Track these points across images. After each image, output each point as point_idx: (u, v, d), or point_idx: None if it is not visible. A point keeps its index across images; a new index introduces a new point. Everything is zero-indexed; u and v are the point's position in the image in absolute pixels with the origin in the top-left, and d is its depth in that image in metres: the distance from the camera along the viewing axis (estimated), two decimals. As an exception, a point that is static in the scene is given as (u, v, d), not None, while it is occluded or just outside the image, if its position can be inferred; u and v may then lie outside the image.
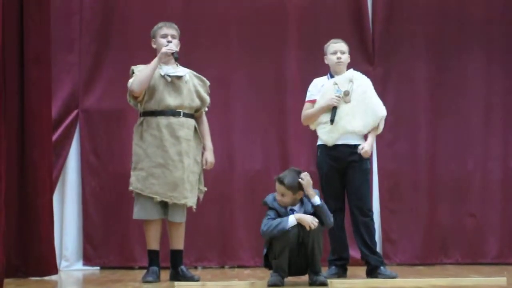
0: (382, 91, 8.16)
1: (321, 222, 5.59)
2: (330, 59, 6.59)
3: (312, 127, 6.64)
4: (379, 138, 8.12)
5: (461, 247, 7.99)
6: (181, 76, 6.17)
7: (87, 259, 7.78)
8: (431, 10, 8.23)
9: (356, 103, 6.43)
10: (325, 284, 5.59)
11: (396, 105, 8.18)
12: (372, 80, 8.10)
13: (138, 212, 6.04)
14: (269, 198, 5.73)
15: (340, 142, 6.41)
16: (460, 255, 7.98)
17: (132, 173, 6.05)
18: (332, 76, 6.57)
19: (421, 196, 8.10)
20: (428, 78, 8.22)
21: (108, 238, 7.81)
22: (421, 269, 7.40)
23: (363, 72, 8.10)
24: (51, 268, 6.56)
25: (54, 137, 7.51)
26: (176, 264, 6.11)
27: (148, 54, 7.86)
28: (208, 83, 6.43)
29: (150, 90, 6.07)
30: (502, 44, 8.26)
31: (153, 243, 6.06)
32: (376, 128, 6.54)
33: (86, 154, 7.86)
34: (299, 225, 5.53)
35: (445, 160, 8.12)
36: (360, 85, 6.52)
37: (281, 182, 5.65)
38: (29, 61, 6.53)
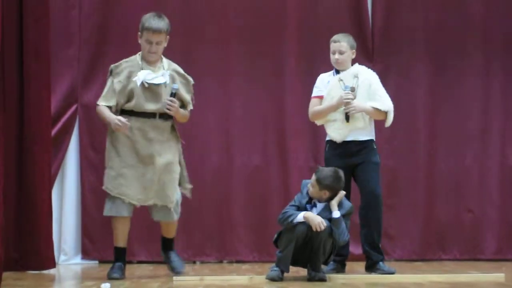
0: (381, 87, 8.18)
1: (334, 237, 5.63)
2: (331, 57, 6.56)
3: (318, 123, 6.61)
4: (377, 134, 8.13)
5: (459, 243, 7.99)
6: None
7: (86, 253, 7.79)
8: (430, 7, 8.22)
9: (362, 99, 6.39)
10: (324, 279, 5.61)
11: (395, 102, 8.13)
12: (371, 77, 8.14)
13: (109, 209, 6.04)
14: (306, 181, 5.84)
15: (349, 139, 6.39)
16: (458, 251, 7.99)
17: (105, 170, 6.07)
18: (337, 72, 6.55)
19: (419, 192, 8.10)
20: (427, 75, 8.21)
21: (106, 232, 7.75)
22: (419, 265, 7.41)
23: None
24: (49, 262, 6.57)
25: (53, 131, 7.51)
26: (165, 249, 6.32)
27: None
28: (192, 81, 6.32)
29: (128, 94, 6.01)
30: (502, 41, 8.26)
31: (120, 241, 6.11)
32: (383, 117, 6.52)
33: (85, 148, 7.87)
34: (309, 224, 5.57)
35: (444, 156, 8.12)
36: (365, 79, 6.48)
37: (316, 172, 5.73)
38: (28, 55, 6.53)
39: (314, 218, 5.55)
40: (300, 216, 5.57)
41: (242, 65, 8.03)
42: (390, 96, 8.11)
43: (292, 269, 5.81)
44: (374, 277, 6.05)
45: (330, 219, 5.66)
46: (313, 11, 8.13)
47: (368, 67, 8.07)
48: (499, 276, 5.81)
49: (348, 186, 6.34)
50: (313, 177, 5.75)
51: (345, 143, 6.39)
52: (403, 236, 8.03)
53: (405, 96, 8.18)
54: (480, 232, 8.04)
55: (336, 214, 5.67)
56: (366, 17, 8.16)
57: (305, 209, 5.68)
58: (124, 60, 6.17)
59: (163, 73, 6.08)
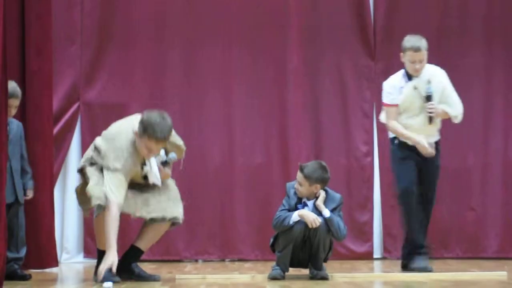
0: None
1: (332, 235, 5.60)
2: (407, 65, 6.29)
3: None
4: (380, 132, 8.13)
5: (462, 241, 7.98)
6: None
7: (88, 252, 7.78)
8: (432, 4, 8.20)
9: (437, 104, 6.24)
10: (326, 278, 5.60)
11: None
12: (373, 75, 8.15)
13: None
14: (290, 183, 5.76)
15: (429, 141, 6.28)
16: (460, 249, 7.98)
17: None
18: (408, 77, 6.30)
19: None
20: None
21: (108, 231, 7.80)
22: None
23: (364, 67, 8.16)
24: (52, 260, 6.57)
25: (55, 130, 7.51)
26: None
27: (149, 46, 7.91)
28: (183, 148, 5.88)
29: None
30: (503, 39, 8.24)
31: None
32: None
33: (87, 147, 7.79)
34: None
35: (446, 155, 8.05)
36: (439, 83, 6.28)
37: (301, 169, 5.67)
38: (30, 53, 6.53)
39: (309, 214, 5.53)
40: (295, 216, 5.55)
41: (244, 63, 8.02)
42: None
43: (294, 268, 5.80)
44: (376, 275, 6.03)
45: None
46: (315, 9, 8.12)
47: (370, 65, 8.13)
48: (501, 274, 5.80)
49: (416, 172, 6.29)
50: (299, 175, 5.67)
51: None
52: (405, 235, 8.01)
53: (408, 94, 8.17)
54: (482, 230, 8.03)
55: (326, 213, 5.63)
56: (368, 15, 8.15)
57: (296, 210, 5.64)
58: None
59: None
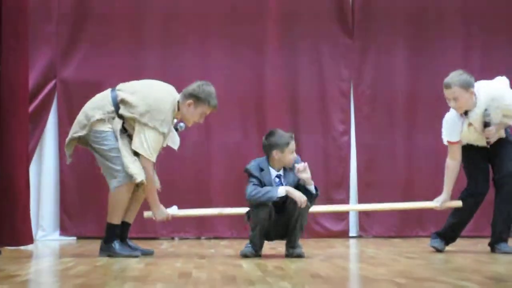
0: (360, 65, 8.20)
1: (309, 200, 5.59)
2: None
3: None
4: (357, 111, 8.16)
5: (437, 220, 7.99)
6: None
7: (64, 229, 7.80)
8: (410, -16, 8.24)
9: (496, 121, 5.91)
10: (301, 256, 5.61)
11: (374, 79, 8.21)
12: (351, 53, 8.16)
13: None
14: (252, 166, 5.69)
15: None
16: (435, 228, 7.99)
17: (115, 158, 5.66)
18: (465, 112, 5.89)
19: (398, 169, 8.15)
20: (407, 52, 8.24)
21: (85, 208, 7.81)
22: (397, 242, 7.45)
23: (342, 45, 8.16)
24: (27, 238, 6.55)
25: (32, 107, 7.49)
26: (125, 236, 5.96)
27: (126, 23, 7.87)
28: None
29: None
30: (481, 19, 8.27)
31: None
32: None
33: (64, 124, 7.83)
34: (287, 199, 5.53)
35: (423, 134, 8.15)
36: (496, 108, 5.83)
37: (278, 143, 5.62)
38: (6, 30, 6.47)
39: (295, 193, 5.51)
40: (282, 191, 5.51)
41: (222, 42, 8.01)
42: (369, 73, 8.22)
43: (270, 245, 5.82)
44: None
45: (298, 185, 5.62)
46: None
47: (348, 44, 8.13)
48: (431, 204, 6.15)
49: (484, 165, 6.08)
50: (280, 148, 5.59)
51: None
52: (381, 213, 8.06)
53: (384, 73, 8.22)
54: None
55: (313, 189, 5.65)
56: (346, -5, 8.16)
57: (271, 184, 5.62)
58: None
59: None
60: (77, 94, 7.83)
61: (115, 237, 5.73)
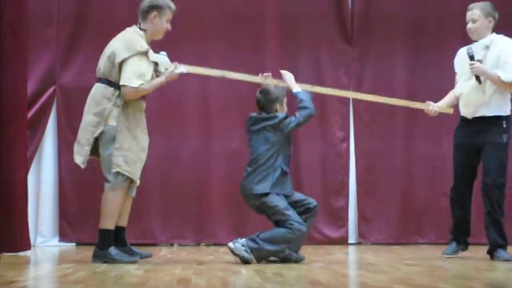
0: (359, 71, 8.20)
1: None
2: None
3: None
4: (356, 118, 8.15)
5: (436, 227, 8.03)
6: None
7: (63, 235, 7.78)
8: (410, -9, 8.25)
9: (493, 69, 6.13)
10: (301, 259, 5.68)
11: (373, 85, 8.20)
12: (350, 60, 8.16)
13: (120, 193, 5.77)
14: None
15: (478, 115, 6.21)
16: (434, 235, 8.03)
17: (116, 152, 5.67)
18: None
19: (397, 176, 8.14)
20: (406, 58, 8.24)
21: (84, 214, 7.79)
22: (396, 249, 7.44)
23: (341, 52, 8.17)
24: (25, 244, 6.53)
25: (31, 113, 7.49)
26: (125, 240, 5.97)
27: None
28: None
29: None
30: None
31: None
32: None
33: (63, 130, 7.84)
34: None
35: (421, 141, 8.15)
36: (497, 50, 6.14)
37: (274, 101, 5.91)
38: (5, 35, 6.46)
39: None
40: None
41: (222, 48, 8.01)
42: (369, 79, 8.20)
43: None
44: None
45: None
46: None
47: (347, 50, 8.13)
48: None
49: (475, 166, 6.30)
50: (280, 101, 5.85)
51: (475, 120, 6.22)
52: (380, 220, 8.07)
53: (384, 79, 8.22)
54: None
55: (296, 89, 5.85)
56: (345, 1, 8.15)
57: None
58: None
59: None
60: (76, 100, 7.81)
61: (110, 243, 5.67)
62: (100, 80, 5.85)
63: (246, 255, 5.56)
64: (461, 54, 6.40)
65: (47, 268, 5.42)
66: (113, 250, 5.66)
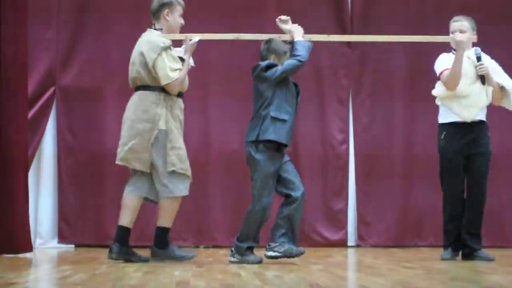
0: (359, 74, 8.20)
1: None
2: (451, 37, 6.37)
3: (449, 92, 6.32)
4: (356, 120, 8.16)
5: (436, 230, 8.00)
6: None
7: (62, 237, 7.78)
8: (409, -6, 8.25)
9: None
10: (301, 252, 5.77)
11: (373, 89, 8.21)
12: (349, 63, 8.17)
13: (184, 189, 5.94)
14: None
15: (477, 118, 6.26)
16: (434, 238, 8.02)
17: (170, 152, 5.82)
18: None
19: (396, 180, 8.14)
20: (406, 62, 8.24)
21: (83, 216, 7.80)
22: (395, 251, 7.45)
23: (341, 55, 8.18)
24: (25, 245, 6.53)
25: (31, 114, 7.48)
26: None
27: (125, 30, 7.86)
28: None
29: None
30: (480, 27, 8.26)
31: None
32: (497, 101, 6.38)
33: (63, 131, 7.84)
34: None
35: (421, 144, 8.15)
36: (489, 62, 6.35)
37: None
38: (5, 36, 6.47)
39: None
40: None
41: (221, 49, 7.99)
42: (368, 83, 8.22)
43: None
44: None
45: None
46: (292, -2, 8.12)
47: (347, 53, 8.15)
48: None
49: (463, 171, 6.28)
50: (277, 55, 5.89)
51: (471, 124, 6.25)
52: (379, 223, 8.07)
53: (383, 83, 8.22)
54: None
55: (298, 38, 5.90)
56: (345, 2, 8.16)
57: None
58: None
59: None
60: (76, 101, 7.85)
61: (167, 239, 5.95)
62: (139, 88, 5.92)
63: (232, 259, 5.71)
64: (451, 59, 6.35)
65: (46, 270, 5.41)
66: (173, 248, 5.98)
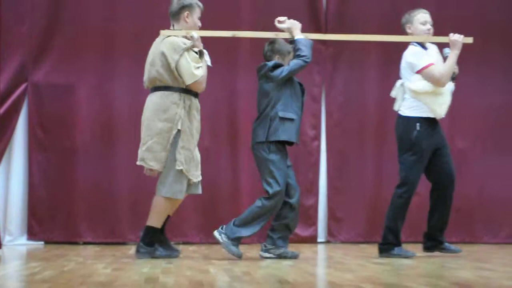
0: (333, 71, 8.23)
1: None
2: (419, 28, 6.40)
3: (417, 95, 6.36)
4: (328, 117, 8.18)
5: (406, 225, 8.00)
6: None
7: (31, 234, 7.74)
8: (384, -7, 8.28)
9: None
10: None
11: (346, 85, 8.24)
12: (323, 59, 8.19)
13: (178, 192, 5.96)
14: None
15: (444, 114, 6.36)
16: (404, 233, 8.00)
17: (181, 150, 5.91)
18: (423, 46, 6.41)
19: (367, 175, 8.18)
20: (380, 59, 8.26)
21: (53, 213, 7.76)
22: (365, 247, 7.48)
23: (315, 51, 8.15)
24: (-5, 242, 6.50)
25: (2, 110, 7.46)
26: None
27: (98, 27, 7.83)
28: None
29: None
30: (452, 26, 8.29)
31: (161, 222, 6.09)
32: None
33: (34, 128, 7.80)
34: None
35: (392, 140, 8.13)
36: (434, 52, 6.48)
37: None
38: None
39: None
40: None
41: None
42: (341, 79, 8.26)
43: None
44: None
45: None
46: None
47: (321, 50, 8.17)
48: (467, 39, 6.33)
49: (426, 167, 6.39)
50: (282, 55, 5.96)
51: (436, 121, 6.35)
52: (350, 219, 8.11)
53: (356, 79, 8.26)
54: (426, 215, 8.10)
55: (298, 36, 5.94)
56: (320, 1, 8.17)
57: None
58: None
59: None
60: (48, 97, 7.82)
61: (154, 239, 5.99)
62: (158, 88, 5.97)
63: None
64: (426, 50, 6.41)
65: (15, 266, 5.39)
66: (158, 247, 5.99)
